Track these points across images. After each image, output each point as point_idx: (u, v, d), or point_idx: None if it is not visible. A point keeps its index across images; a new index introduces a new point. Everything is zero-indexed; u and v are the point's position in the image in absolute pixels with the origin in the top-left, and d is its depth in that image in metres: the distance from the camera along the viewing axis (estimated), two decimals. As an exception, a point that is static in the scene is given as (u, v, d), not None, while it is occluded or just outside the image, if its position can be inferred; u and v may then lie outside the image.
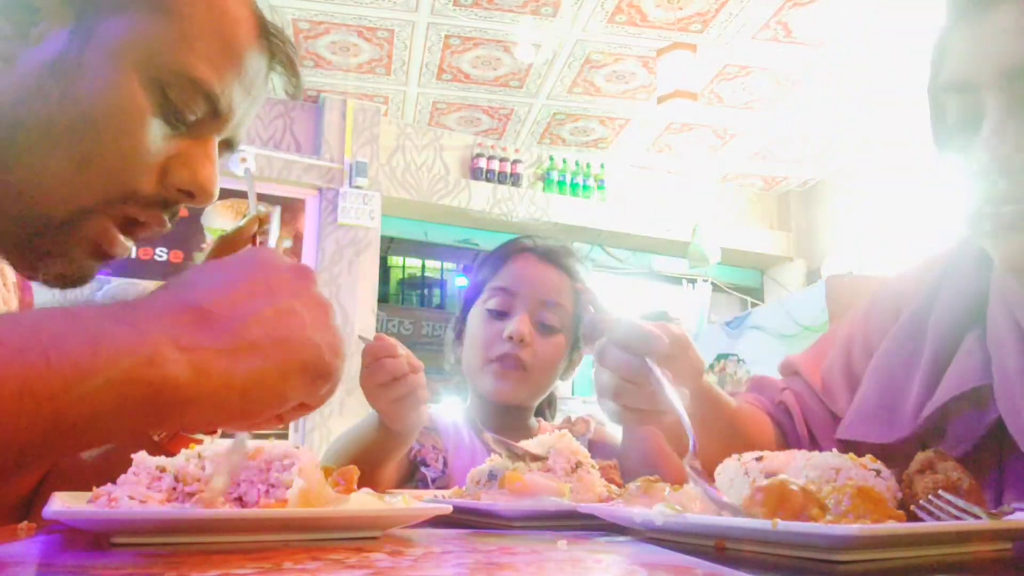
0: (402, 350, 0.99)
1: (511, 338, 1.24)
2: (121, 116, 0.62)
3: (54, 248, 0.64)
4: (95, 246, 0.66)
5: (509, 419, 1.30)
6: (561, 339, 1.30)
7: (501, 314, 1.28)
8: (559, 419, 1.43)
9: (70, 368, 0.40)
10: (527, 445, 0.87)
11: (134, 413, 0.43)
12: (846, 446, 0.85)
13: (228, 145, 0.74)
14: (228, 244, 0.91)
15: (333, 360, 0.49)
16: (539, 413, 1.40)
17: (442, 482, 1.20)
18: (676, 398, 0.70)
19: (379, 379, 1.00)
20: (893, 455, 0.65)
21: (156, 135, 0.65)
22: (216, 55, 0.67)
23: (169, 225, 0.71)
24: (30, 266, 0.66)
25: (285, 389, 0.48)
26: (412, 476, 1.22)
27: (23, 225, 0.63)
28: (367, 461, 1.04)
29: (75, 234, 0.64)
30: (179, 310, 0.45)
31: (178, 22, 0.65)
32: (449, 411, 1.38)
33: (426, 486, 1.19)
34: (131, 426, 0.44)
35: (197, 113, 0.67)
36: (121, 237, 0.68)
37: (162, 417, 0.44)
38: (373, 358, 1.00)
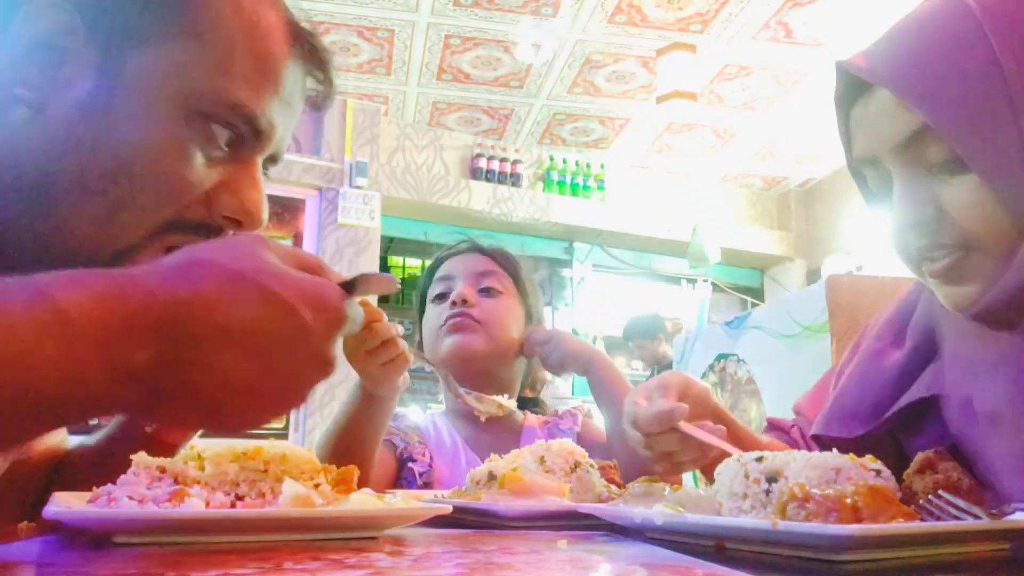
0: (384, 317, 1.01)
1: (454, 303, 1.30)
2: (162, 155, 0.60)
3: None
4: None
5: (475, 380, 1.31)
6: (505, 299, 1.34)
7: (444, 296, 1.34)
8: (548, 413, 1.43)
9: (42, 414, 0.43)
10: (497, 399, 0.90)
11: (89, 418, 0.46)
12: (820, 444, 0.92)
13: (272, 160, 0.72)
14: None
15: (256, 425, 0.50)
16: (525, 406, 1.40)
17: (429, 476, 1.21)
18: (715, 439, 0.80)
19: (369, 344, 1.01)
20: (857, 450, 0.67)
21: (199, 166, 0.62)
22: (252, 75, 0.64)
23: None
24: None
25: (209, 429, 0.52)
26: (400, 472, 1.23)
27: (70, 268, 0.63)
28: (354, 436, 1.08)
29: (134, 261, 0.62)
30: (165, 351, 0.44)
31: (208, 46, 0.62)
32: (426, 415, 1.41)
33: (414, 479, 1.19)
34: (64, 422, 0.47)
35: (243, 132, 0.64)
36: None
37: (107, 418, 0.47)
38: (363, 325, 1.02)
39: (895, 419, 0.83)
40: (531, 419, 1.36)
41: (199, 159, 0.62)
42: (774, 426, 1.10)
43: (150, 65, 0.60)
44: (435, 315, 1.34)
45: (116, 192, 0.59)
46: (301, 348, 0.48)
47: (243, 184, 0.66)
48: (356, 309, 0.53)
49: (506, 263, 1.39)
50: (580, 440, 1.32)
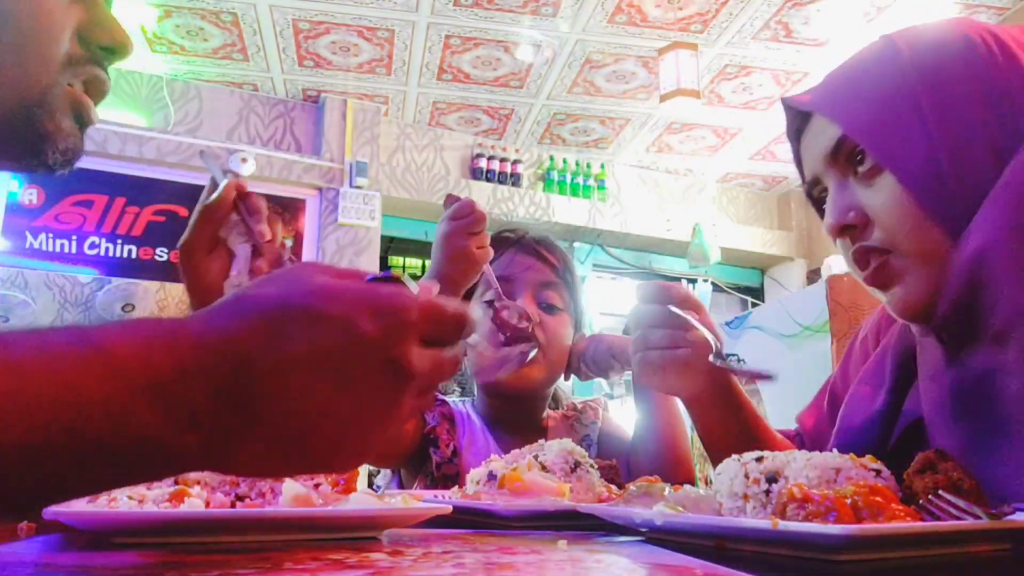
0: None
1: (522, 317, 1.22)
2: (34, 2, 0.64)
3: (51, 124, 0.66)
4: (76, 111, 0.69)
5: (522, 411, 1.29)
6: (566, 318, 1.29)
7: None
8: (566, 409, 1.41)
9: (83, 443, 0.38)
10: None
11: (138, 477, 0.43)
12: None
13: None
14: (211, 214, 0.93)
15: (350, 467, 0.48)
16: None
17: (450, 468, 1.19)
18: (700, 325, 0.88)
19: (474, 228, 1.15)
20: None
21: (62, 6, 0.66)
22: None
23: (110, 80, 0.73)
24: (35, 154, 0.67)
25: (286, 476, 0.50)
26: (420, 451, 1.21)
27: (13, 118, 0.64)
28: None
29: (57, 105, 0.66)
30: (224, 393, 0.41)
31: None
32: (461, 402, 1.37)
33: (428, 465, 1.18)
34: (133, 481, 0.44)
35: None
36: (87, 98, 0.70)
37: (162, 478, 0.46)
38: (471, 210, 1.16)
39: (901, 444, 0.83)
40: (552, 416, 1.34)
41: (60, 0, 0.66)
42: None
43: None
44: (488, 321, 1.24)
45: (13, 34, 0.63)
46: (371, 359, 0.44)
47: (103, 16, 0.70)
48: (431, 305, 0.48)
49: (566, 272, 1.32)
50: (602, 437, 1.32)
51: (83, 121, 0.70)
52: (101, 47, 0.70)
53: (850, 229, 0.79)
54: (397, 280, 0.48)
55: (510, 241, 1.34)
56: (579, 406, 1.38)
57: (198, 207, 0.96)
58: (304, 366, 0.43)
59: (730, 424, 0.96)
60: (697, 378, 0.91)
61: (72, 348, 0.39)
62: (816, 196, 0.88)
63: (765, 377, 0.86)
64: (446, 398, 1.36)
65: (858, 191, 0.79)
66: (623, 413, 3.96)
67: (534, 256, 1.31)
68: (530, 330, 1.21)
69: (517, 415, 1.29)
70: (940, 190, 0.73)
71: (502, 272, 1.28)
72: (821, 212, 0.87)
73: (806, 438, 1.04)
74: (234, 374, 0.41)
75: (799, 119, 0.87)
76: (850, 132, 0.77)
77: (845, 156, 0.80)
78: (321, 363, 0.43)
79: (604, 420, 1.35)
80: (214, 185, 0.96)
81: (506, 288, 1.26)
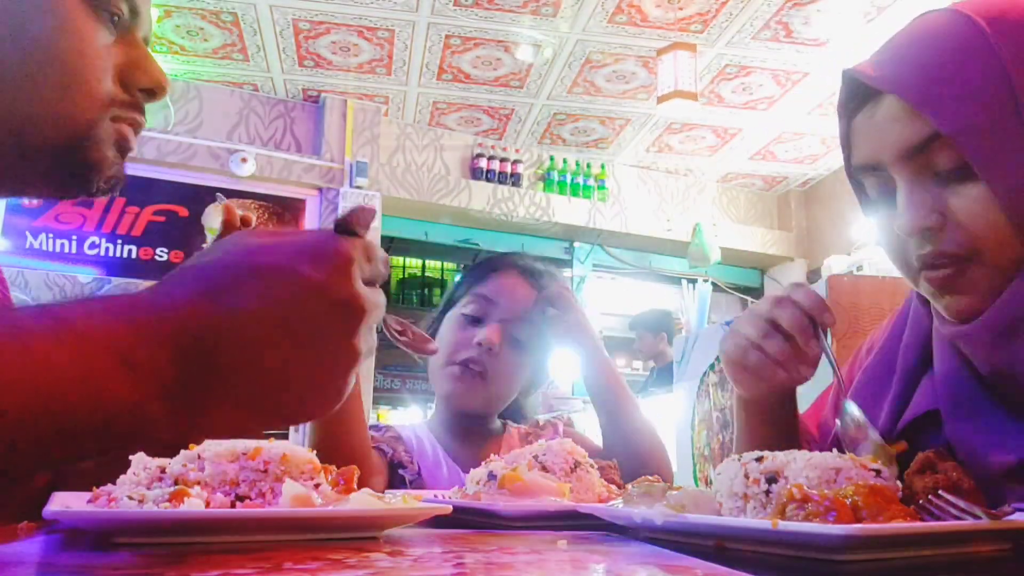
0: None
1: (480, 344, 1.25)
2: (79, 37, 0.65)
3: (97, 155, 0.68)
4: (119, 145, 0.71)
5: (470, 425, 1.31)
6: (527, 357, 1.31)
7: (475, 320, 1.29)
8: (530, 424, 1.43)
9: (62, 417, 0.40)
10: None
11: (114, 447, 0.44)
12: None
13: (146, 42, 0.77)
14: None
15: (322, 412, 0.48)
16: (508, 416, 1.40)
17: (418, 484, 1.21)
18: (833, 358, 0.84)
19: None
20: None
21: (105, 44, 0.67)
22: None
23: (145, 123, 0.74)
24: (83, 184, 0.69)
25: (261, 431, 0.49)
26: (392, 478, 1.23)
27: (51, 155, 0.66)
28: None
29: (103, 138, 0.68)
30: (187, 358, 0.43)
31: None
32: (409, 423, 1.40)
33: (404, 487, 1.19)
34: (107, 448, 0.44)
35: (124, 12, 0.69)
36: (128, 130, 0.72)
37: (136, 448, 0.46)
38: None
39: (908, 438, 0.82)
40: (511, 431, 1.36)
41: (103, 37, 0.67)
42: None
43: None
44: (456, 335, 1.29)
45: (58, 74, 0.64)
46: (320, 303, 0.46)
47: (142, 58, 0.71)
48: (362, 243, 0.51)
49: (546, 303, 1.32)
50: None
51: (124, 151, 0.72)
52: (140, 88, 0.71)
53: (926, 231, 0.74)
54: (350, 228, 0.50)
55: (506, 263, 1.36)
56: (541, 423, 1.40)
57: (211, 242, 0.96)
58: (258, 319, 0.45)
59: (786, 424, 0.94)
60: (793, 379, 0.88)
61: (39, 323, 0.41)
62: (863, 180, 0.81)
63: None
64: (390, 424, 1.40)
65: (938, 192, 0.74)
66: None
67: (522, 284, 1.32)
68: (484, 346, 1.24)
69: (468, 428, 1.32)
70: None
71: (486, 292, 1.30)
72: (862, 196, 0.83)
73: (809, 439, 1.04)
74: (193, 338, 0.43)
75: (859, 95, 0.79)
76: (949, 133, 0.71)
77: (928, 153, 0.73)
78: (274, 314, 0.45)
79: (565, 435, 1.36)
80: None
81: (483, 307, 1.29)
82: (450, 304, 1.35)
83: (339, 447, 1.05)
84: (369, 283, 0.49)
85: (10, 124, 0.64)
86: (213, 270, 0.47)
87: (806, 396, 1.10)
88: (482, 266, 1.38)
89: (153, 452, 0.61)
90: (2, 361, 0.39)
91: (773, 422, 0.94)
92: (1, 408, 0.38)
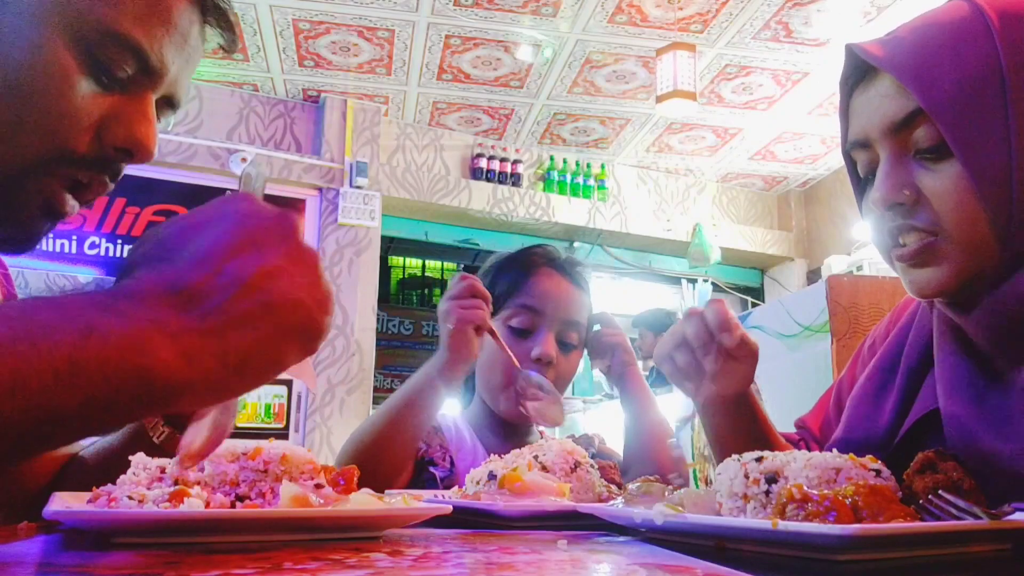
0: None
1: (539, 360, 1.23)
2: (47, 79, 0.61)
3: (3, 213, 0.65)
4: (44, 206, 0.67)
5: (513, 428, 1.31)
6: (576, 356, 1.32)
7: (525, 332, 1.27)
8: (564, 435, 1.44)
9: (61, 361, 0.39)
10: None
11: (127, 403, 0.42)
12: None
13: (169, 104, 0.73)
14: None
15: (322, 317, 0.48)
16: None
17: (449, 481, 1.20)
18: (707, 382, 0.87)
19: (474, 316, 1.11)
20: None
21: (85, 95, 0.64)
22: (142, 9, 0.65)
23: (111, 185, 0.70)
24: None
25: (279, 357, 0.46)
26: (420, 476, 1.22)
27: None
28: (411, 423, 1.12)
29: (21, 195, 0.64)
30: (163, 292, 0.44)
31: None
32: (450, 414, 1.39)
33: (435, 485, 1.18)
34: (125, 415, 0.43)
35: (127, 70, 0.65)
36: (69, 196, 0.68)
37: (156, 405, 0.43)
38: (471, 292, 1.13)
39: (910, 439, 0.83)
40: (548, 437, 1.37)
41: (85, 87, 0.64)
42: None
43: None
44: (512, 350, 1.23)
45: (7, 113, 0.61)
46: (269, 243, 0.47)
47: (134, 116, 0.67)
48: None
49: (587, 291, 1.35)
50: (596, 458, 1.35)
51: (53, 214, 0.67)
52: (116, 147, 0.67)
53: (899, 206, 0.77)
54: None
55: (538, 262, 1.33)
56: (577, 437, 1.40)
57: None
58: (194, 220, 0.47)
59: (743, 430, 0.96)
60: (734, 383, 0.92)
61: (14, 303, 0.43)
62: (854, 156, 0.84)
63: None
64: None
65: (916, 169, 0.76)
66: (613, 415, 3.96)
67: (564, 286, 1.31)
68: (545, 363, 1.25)
69: (506, 428, 1.32)
70: (1004, 189, 0.72)
71: (532, 302, 1.27)
72: (855, 173, 0.85)
73: (812, 441, 1.04)
74: (184, 296, 0.44)
75: (860, 70, 0.81)
76: (930, 111, 0.73)
77: (911, 130, 0.76)
78: (207, 213, 0.47)
79: (598, 447, 1.38)
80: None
81: (531, 319, 1.27)
82: (498, 301, 1.30)
83: (405, 437, 1.10)
84: None
85: None
86: (182, 233, 0.48)
87: (804, 397, 1.11)
88: (515, 270, 1.33)
89: (152, 453, 0.61)
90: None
91: (729, 425, 0.97)
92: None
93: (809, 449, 1.03)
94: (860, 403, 0.90)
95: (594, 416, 4.64)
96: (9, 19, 0.61)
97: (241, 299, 0.44)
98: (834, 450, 0.61)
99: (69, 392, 0.40)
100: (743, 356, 0.89)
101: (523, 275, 1.31)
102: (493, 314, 1.29)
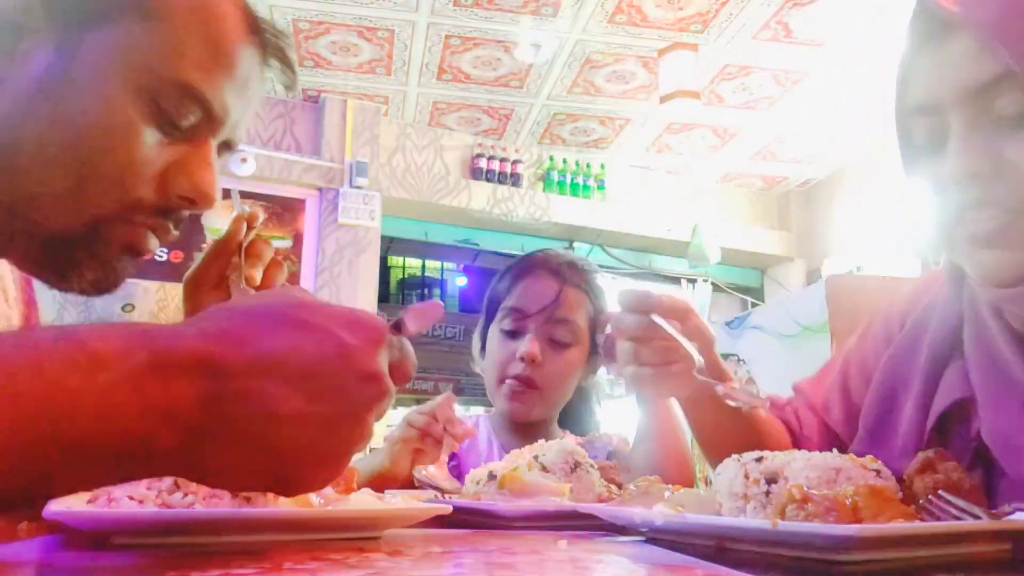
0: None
1: (523, 359, 1.29)
2: (113, 130, 0.62)
3: (87, 256, 0.65)
4: (126, 248, 0.67)
5: (527, 430, 1.33)
6: (574, 353, 1.34)
7: (514, 334, 1.33)
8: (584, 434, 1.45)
9: (71, 442, 0.40)
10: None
11: (122, 469, 0.43)
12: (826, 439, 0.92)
13: (227, 146, 0.74)
14: (220, 250, 0.91)
15: (314, 485, 0.47)
16: (568, 425, 1.42)
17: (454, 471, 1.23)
18: (684, 339, 0.84)
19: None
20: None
21: (151, 145, 0.64)
22: (205, 58, 0.66)
23: (175, 232, 0.71)
24: (61, 277, 0.66)
25: (258, 488, 0.50)
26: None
27: (41, 242, 0.63)
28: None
29: (100, 243, 0.65)
30: (197, 364, 0.42)
31: (163, 28, 0.64)
32: (473, 413, 1.42)
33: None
34: (114, 478, 0.44)
35: (191, 119, 0.66)
36: (150, 235, 0.69)
37: (147, 474, 0.46)
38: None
39: (940, 429, 0.80)
40: (569, 438, 1.37)
41: (151, 138, 0.64)
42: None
43: (105, 44, 0.62)
44: (499, 352, 1.34)
45: (75, 163, 0.62)
46: (344, 368, 0.45)
47: (196, 165, 0.68)
48: (400, 340, 0.51)
49: (587, 291, 1.36)
50: (612, 456, 1.35)
51: (135, 254, 0.69)
52: (179, 195, 0.68)
53: (975, 178, 0.69)
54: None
55: (529, 265, 1.38)
56: (598, 435, 1.42)
57: (211, 243, 0.93)
58: (279, 370, 0.43)
59: (724, 421, 0.94)
60: (690, 384, 0.88)
61: (56, 344, 0.40)
62: (913, 123, 0.76)
63: (755, 404, 0.82)
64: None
65: (996, 138, 0.68)
66: (622, 412, 3.96)
67: (550, 286, 1.34)
68: (527, 361, 1.29)
69: (521, 431, 1.35)
70: None
71: (517, 304, 1.34)
72: (906, 143, 0.78)
73: (810, 410, 1.00)
74: (209, 372, 0.42)
75: (929, 29, 0.73)
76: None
77: (993, 96, 0.68)
78: (297, 365, 0.44)
79: (617, 445, 1.38)
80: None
81: (518, 321, 1.33)
82: (489, 316, 1.39)
83: None
84: (392, 376, 0.49)
85: (18, 197, 0.62)
86: (247, 312, 0.46)
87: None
88: (508, 273, 1.40)
89: None
90: (15, 381, 0.38)
91: (713, 419, 0.95)
92: (10, 427, 0.38)
93: (799, 419, 1.01)
94: (886, 396, 0.86)
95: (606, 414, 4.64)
96: (78, 74, 0.61)
97: (265, 424, 0.43)
98: (834, 450, 0.61)
99: (75, 467, 0.41)
100: (682, 315, 0.89)
101: (513, 280, 1.37)
102: (492, 319, 1.37)
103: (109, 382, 0.40)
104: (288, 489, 0.46)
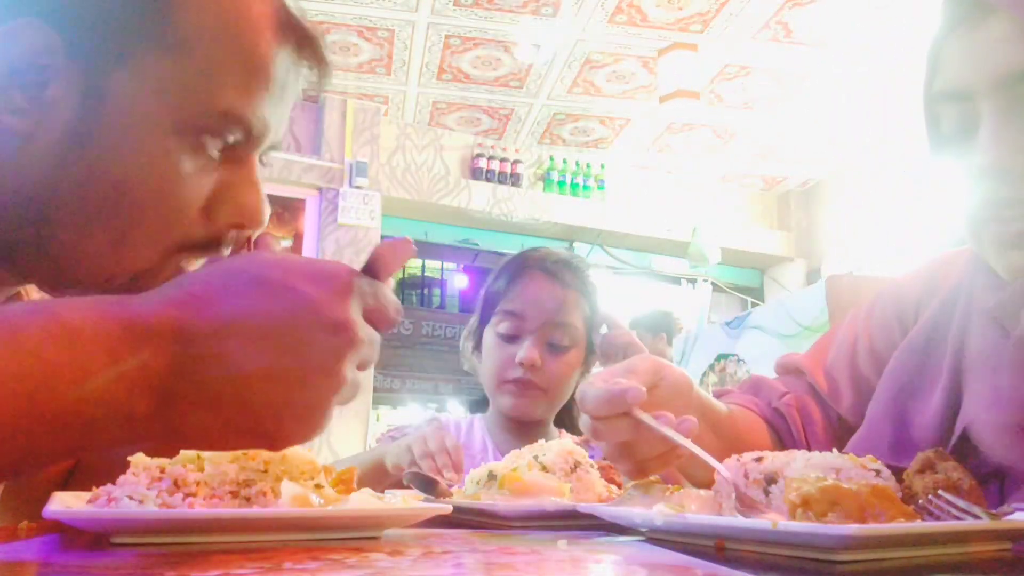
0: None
1: (522, 364, 1.29)
2: (155, 178, 0.59)
3: (135, 290, 0.64)
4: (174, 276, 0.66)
5: (526, 430, 1.33)
6: (572, 354, 1.34)
7: (511, 338, 1.32)
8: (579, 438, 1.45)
9: (46, 409, 0.40)
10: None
11: (101, 436, 0.43)
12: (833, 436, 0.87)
13: (271, 149, 0.70)
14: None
15: (294, 438, 0.47)
16: (562, 424, 1.42)
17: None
18: (674, 433, 0.67)
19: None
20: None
21: (193, 181, 0.60)
22: (241, 78, 0.61)
23: (227, 254, 0.67)
24: None
25: (236, 446, 0.50)
26: None
27: (97, 287, 0.61)
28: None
29: (155, 281, 0.61)
30: (171, 326, 0.43)
31: (193, 56, 0.59)
32: (467, 416, 1.43)
33: None
34: (95, 445, 0.44)
35: (231, 140, 0.62)
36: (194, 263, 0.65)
37: (127, 441, 0.45)
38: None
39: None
40: (566, 437, 1.38)
41: (192, 169, 0.60)
42: (753, 388, 1.00)
43: (135, 83, 0.58)
44: (498, 356, 1.33)
45: (118, 215, 0.58)
46: (312, 322, 0.45)
47: (240, 188, 0.64)
48: (373, 285, 0.50)
49: (583, 291, 1.35)
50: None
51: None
52: (230, 223, 0.64)
53: (1010, 173, 0.65)
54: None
55: (525, 266, 1.36)
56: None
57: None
58: (244, 329, 0.44)
59: (703, 438, 0.79)
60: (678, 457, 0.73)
61: (30, 318, 0.41)
62: (941, 109, 0.72)
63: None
64: (446, 417, 1.43)
65: None
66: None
67: (547, 288, 1.33)
68: (527, 366, 1.29)
69: (520, 430, 1.35)
70: None
71: (514, 307, 1.32)
72: (933, 130, 0.74)
73: (808, 394, 0.94)
74: (175, 337, 0.43)
75: (962, 12, 0.69)
76: None
77: None
78: (265, 322, 0.44)
79: None
80: None
81: (515, 324, 1.32)
82: (485, 316, 1.38)
83: None
84: (371, 322, 0.49)
85: (53, 255, 0.59)
86: (211, 276, 0.47)
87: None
88: (504, 274, 1.38)
89: (149, 453, 0.61)
90: None
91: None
92: None
93: (797, 403, 0.93)
94: (900, 394, 0.81)
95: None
96: (110, 118, 0.57)
97: (238, 384, 0.44)
98: (834, 449, 0.61)
99: (55, 436, 0.41)
100: (654, 376, 0.76)
101: (510, 281, 1.36)
102: (488, 320, 1.36)
103: (84, 353, 0.41)
104: (273, 444, 0.47)
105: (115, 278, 0.61)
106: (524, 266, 1.36)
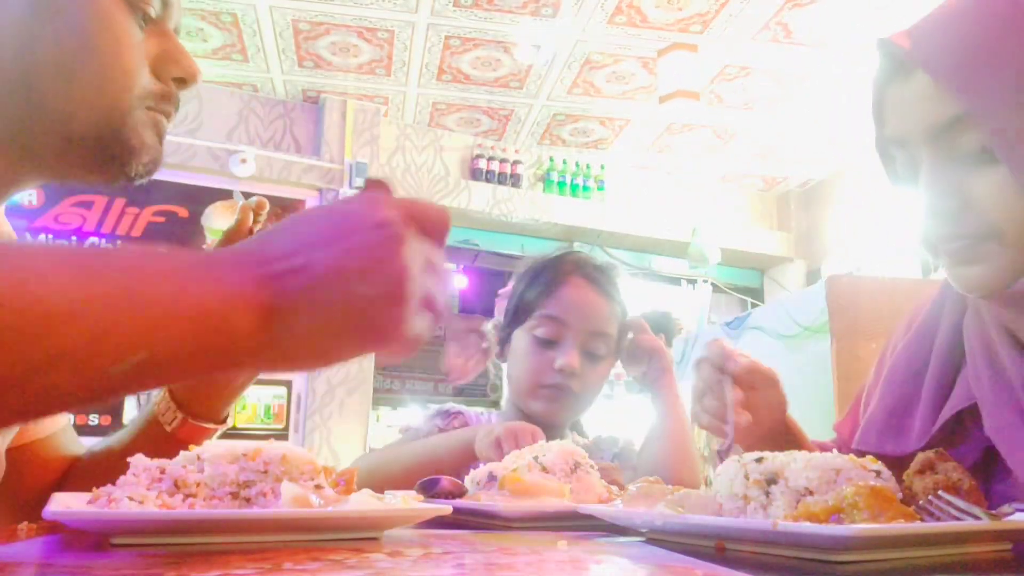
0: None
1: (562, 370, 1.27)
2: (116, 33, 0.68)
3: (136, 141, 0.71)
4: (155, 129, 0.74)
5: (547, 433, 1.32)
6: (606, 364, 1.34)
7: (549, 342, 1.30)
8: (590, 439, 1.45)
9: (158, 313, 0.43)
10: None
11: (212, 359, 0.46)
12: (861, 456, 0.89)
13: (176, 32, 0.80)
14: (232, 239, 0.92)
15: (396, 328, 0.49)
16: (571, 425, 1.42)
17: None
18: (732, 413, 0.86)
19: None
20: (903, 465, 0.66)
21: (138, 39, 0.71)
22: None
23: (175, 115, 0.77)
24: (113, 175, 0.72)
25: (343, 352, 0.50)
26: None
27: (84, 148, 0.69)
28: (429, 469, 1.08)
29: (140, 125, 0.71)
30: (252, 265, 0.47)
31: None
32: (485, 414, 1.42)
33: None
34: (209, 368, 0.48)
35: (156, 8, 0.72)
36: (162, 117, 0.75)
37: (236, 363, 0.48)
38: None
39: (939, 431, 0.81)
40: (576, 440, 1.38)
41: (136, 32, 0.70)
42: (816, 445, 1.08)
43: None
44: (534, 360, 1.30)
45: (97, 71, 0.67)
46: (359, 223, 0.49)
47: (175, 50, 0.74)
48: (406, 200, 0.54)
49: (619, 301, 1.35)
50: (617, 457, 1.36)
51: (161, 136, 0.75)
52: (173, 78, 0.74)
53: (945, 214, 0.73)
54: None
55: (568, 271, 1.34)
56: (604, 437, 1.43)
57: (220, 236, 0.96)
58: (313, 244, 0.48)
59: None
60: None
61: (138, 260, 0.46)
62: (892, 152, 0.80)
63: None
64: (461, 408, 1.42)
65: (960, 174, 0.72)
66: (616, 410, 3.96)
67: (591, 297, 1.32)
68: (567, 372, 1.28)
69: (543, 430, 1.34)
70: None
71: (557, 313, 1.30)
72: (891, 169, 0.82)
73: (843, 448, 1.02)
74: (254, 260, 0.47)
75: (893, 66, 0.77)
76: (975, 116, 0.69)
77: (955, 134, 0.71)
78: (325, 236, 0.49)
79: (623, 447, 1.39)
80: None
81: (556, 330, 1.30)
82: (517, 317, 1.35)
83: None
84: (424, 232, 0.52)
85: (51, 115, 0.67)
86: (285, 224, 0.52)
87: (803, 398, 1.10)
88: (544, 279, 1.35)
89: (166, 442, 0.61)
90: (94, 260, 0.43)
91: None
92: (90, 294, 0.41)
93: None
94: (896, 388, 0.87)
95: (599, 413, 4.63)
96: None
97: (316, 290, 0.47)
98: (834, 450, 0.61)
99: (162, 342, 0.43)
100: (761, 384, 0.90)
101: (551, 284, 1.32)
102: (521, 322, 1.33)
103: (187, 273, 0.45)
104: (381, 339, 0.49)
105: (103, 129, 0.69)
106: (565, 271, 1.34)
